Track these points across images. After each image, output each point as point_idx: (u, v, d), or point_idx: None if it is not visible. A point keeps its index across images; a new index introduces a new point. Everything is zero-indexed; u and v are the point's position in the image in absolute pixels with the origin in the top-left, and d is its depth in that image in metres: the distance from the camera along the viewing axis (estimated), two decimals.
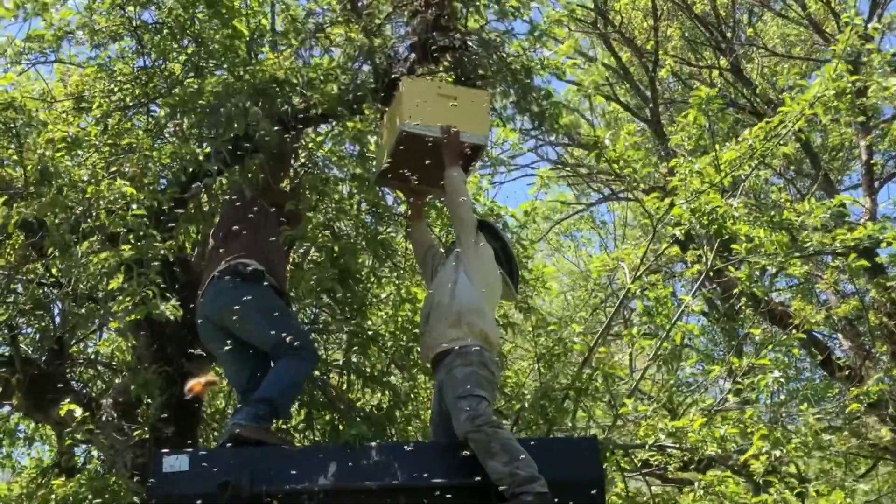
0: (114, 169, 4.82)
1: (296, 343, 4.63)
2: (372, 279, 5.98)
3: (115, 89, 5.09)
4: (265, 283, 4.80)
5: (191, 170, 4.90)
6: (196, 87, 4.98)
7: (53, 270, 5.17)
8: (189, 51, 5.07)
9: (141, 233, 4.53)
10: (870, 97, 6.35)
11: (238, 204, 5.06)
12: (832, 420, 8.00)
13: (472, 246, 4.92)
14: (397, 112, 5.00)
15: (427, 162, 5.02)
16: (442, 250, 5.37)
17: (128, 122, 5.08)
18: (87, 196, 4.56)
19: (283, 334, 4.62)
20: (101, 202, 4.56)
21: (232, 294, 4.67)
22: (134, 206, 4.58)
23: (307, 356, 4.72)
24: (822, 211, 6.19)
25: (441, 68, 5.31)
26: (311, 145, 5.63)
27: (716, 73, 13.90)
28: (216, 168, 4.82)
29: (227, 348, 4.74)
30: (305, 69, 5.21)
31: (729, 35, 13.50)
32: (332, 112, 5.10)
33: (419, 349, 5.49)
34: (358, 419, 5.36)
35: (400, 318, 6.05)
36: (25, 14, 4.91)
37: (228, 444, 4.42)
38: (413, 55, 5.22)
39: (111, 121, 5.00)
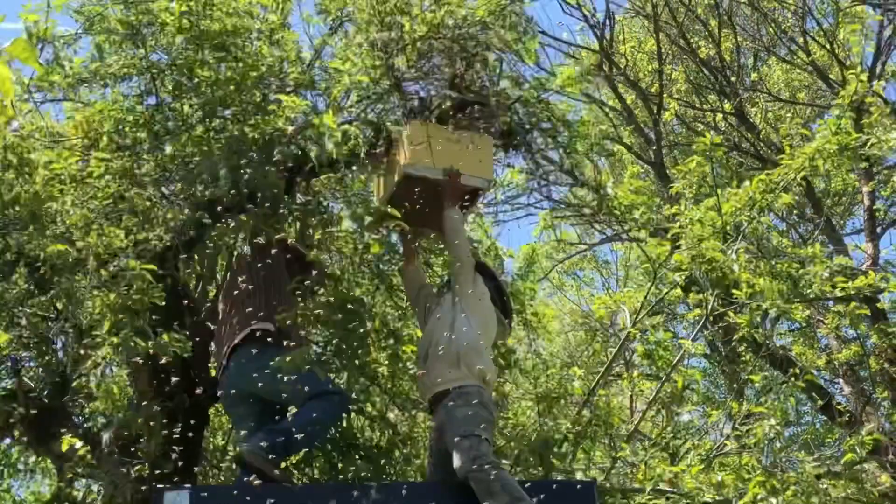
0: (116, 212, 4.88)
1: (328, 388, 4.73)
2: (373, 314, 5.99)
3: (126, 129, 5.14)
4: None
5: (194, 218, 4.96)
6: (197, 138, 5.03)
7: (57, 305, 5.21)
8: (200, 90, 5.12)
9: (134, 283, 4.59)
10: (871, 148, 6.41)
11: (247, 263, 5.12)
12: (832, 466, 7.99)
13: (470, 286, 4.98)
14: (400, 153, 5.08)
15: (426, 203, 5.08)
16: (434, 290, 5.44)
17: (134, 162, 5.12)
18: (87, 243, 4.62)
19: (315, 386, 4.69)
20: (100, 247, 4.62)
21: (258, 361, 4.74)
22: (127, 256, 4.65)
23: (338, 400, 4.80)
24: (823, 268, 6.23)
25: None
26: (316, 187, 5.68)
27: (720, 116, 13.98)
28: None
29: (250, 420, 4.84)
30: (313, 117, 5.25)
31: (733, 79, 13.60)
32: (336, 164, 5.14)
33: (417, 388, 5.52)
34: (357, 458, 5.37)
35: (402, 358, 6.07)
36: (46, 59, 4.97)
37: (235, 466, 4.49)
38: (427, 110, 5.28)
39: (118, 163, 5.04)
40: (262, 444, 4.50)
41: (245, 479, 4.51)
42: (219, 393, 5.03)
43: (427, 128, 5.11)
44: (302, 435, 4.64)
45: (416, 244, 5.55)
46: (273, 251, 5.09)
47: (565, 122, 5.40)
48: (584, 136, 5.47)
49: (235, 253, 5.57)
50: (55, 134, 5.17)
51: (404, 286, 5.53)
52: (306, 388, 4.68)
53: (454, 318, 4.88)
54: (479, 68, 5.18)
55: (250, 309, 4.92)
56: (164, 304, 4.77)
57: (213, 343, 5.21)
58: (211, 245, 5.21)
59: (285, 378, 4.61)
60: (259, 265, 5.06)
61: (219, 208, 4.98)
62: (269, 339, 4.83)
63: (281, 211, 4.99)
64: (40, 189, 4.81)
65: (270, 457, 4.47)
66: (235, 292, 5.07)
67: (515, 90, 5.25)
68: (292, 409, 4.97)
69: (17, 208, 4.80)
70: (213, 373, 5.45)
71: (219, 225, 5.01)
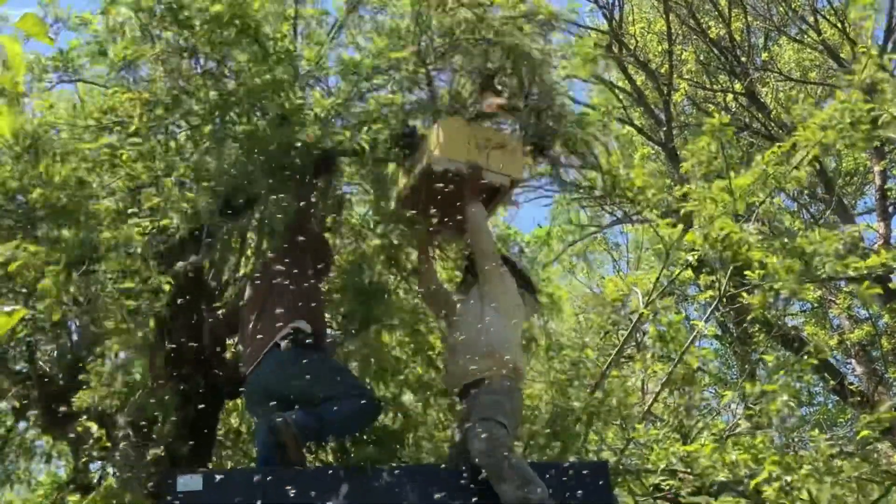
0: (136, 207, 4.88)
1: (364, 391, 4.81)
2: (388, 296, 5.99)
3: (139, 110, 5.12)
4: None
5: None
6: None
7: (72, 289, 5.22)
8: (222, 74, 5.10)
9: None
10: (883, 127, 6.38)
11: (275, 264, 5.13)
12: (844, 446, 7.99)
13: (497, 278, 5.00)
14: (425, 146, 5.08)
15: (447, 200, 5.08)
16: (454, 286, 5.46)
17: (153, 143, 5.11)
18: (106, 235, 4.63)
19: (352, 388, 4.77)
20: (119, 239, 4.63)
21: (295, 364, 4.75)
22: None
23: (374, 402, 4.84)
24: (837, 241, 6.20)
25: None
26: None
27: (730, 97, 13.94)
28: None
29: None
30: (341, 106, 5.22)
31: (744, 59, 13.54)
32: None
33: (441, 376, 5.53)
34: (368, 442, 5.39)
35: (416, 341, 6.08)
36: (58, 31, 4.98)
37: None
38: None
39: (147, 144, 5.03)
40: (297, 421, 4.53)
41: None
42: (244, 390, 5.03)
43: (455, 122, 5.10)
44: (335, 425, 4.68)
45: (434, 244, 5.57)
46: (295, 247, 5.09)
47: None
48: (592, 120, 5.44)
49: (254, 245, 5.59)
50: (81, 113, 5.16)
51: (419, 286, 5.54)
52: (344, 388, 4.73)
53: (482, 312, 4.92)
54: (512, 71, 5.16)
55: (280, 310, 4.91)
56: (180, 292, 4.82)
57: (238, 339, 5.18)
58: (227, 235, 5.23)
59: (322, 382, 4.70)
60: (282, 263, 5.06)
61: (241, 200, 4.99)
62: (304, 341, 4.85)
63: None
64: (69, 174, 4.81)
65: (299, 437, 4.52)
66: (266, 293, 5.08)
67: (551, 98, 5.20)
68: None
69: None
70: (228, 356, 5.47)
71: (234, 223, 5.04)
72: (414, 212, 5.24)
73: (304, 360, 4.74)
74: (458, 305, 5.14)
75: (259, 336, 4.91)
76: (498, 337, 4.83)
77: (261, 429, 4.87)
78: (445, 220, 5.33)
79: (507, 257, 5.40)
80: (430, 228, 5.38)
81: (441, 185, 5.04)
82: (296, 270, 5.01)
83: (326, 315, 5.86)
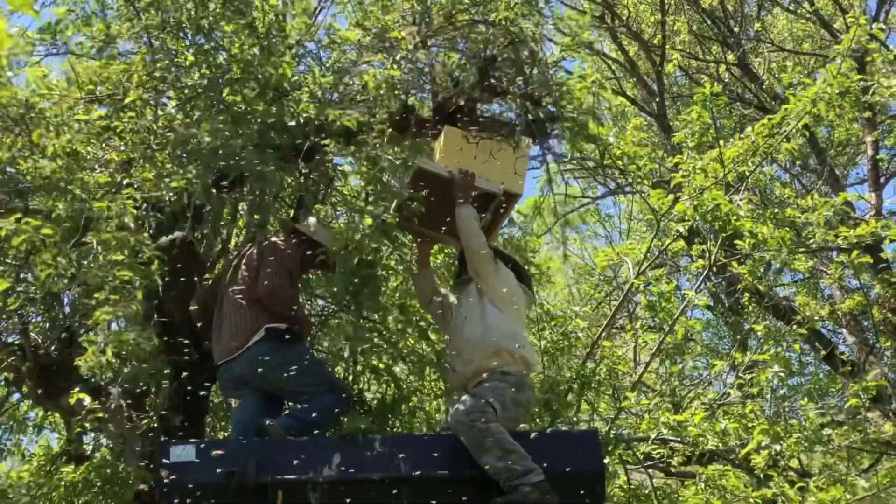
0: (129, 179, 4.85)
1: (338, 384, 4.93)
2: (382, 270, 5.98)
3: (126, 79, 5.08)
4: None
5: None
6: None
7: (63, 261, 5.20)
8: (204, 48, 5.07)
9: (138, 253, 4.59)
10: (874, 95, 6.37)
11: (256, 252, 5.14)
12: (835, 415, 8.04)
13: (493, 275, 5.00)
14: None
15: (443, 208, 5.09)
16: (449, 288, 5.48)
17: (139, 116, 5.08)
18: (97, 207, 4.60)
19: (328, 382, 4.90)
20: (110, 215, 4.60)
21: (273, 357, 4.86)
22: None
23: (346, 396, 4.94)
24: (827, 209, 6.22)
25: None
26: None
27: (723, 67, 13.90)
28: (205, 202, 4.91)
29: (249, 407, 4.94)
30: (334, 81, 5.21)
31: (736, 30, 13.50)
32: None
33: (448, 378, 5.47)
34: (361, 412, 5.41)
35: (407, 314, 6.08)
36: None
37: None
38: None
39: (146, 118, 5.00)
40: (285, 426, 4.63)
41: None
42: (220, 377, 5.09)
43: (457, 132, 5.12)
44: (311, 424, 4.72)
45: (430, 250, 5.60)
46: (282, 237, 5.12)
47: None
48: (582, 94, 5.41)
49: (242, 227, 5.60)
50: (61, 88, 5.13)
51: (416, 291, 5.56)
52: (319, 383, 4.85)
53: (483, 310, 4.93)
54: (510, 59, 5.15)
55: (262, 303, 4.96)
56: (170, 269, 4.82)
57: (214, 329, 5.20)
58: (218, 210, 5.22)
59: (297, 376, 4.80)
60: (269, 254, 5.07)
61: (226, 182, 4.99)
62: (283, 339, 4.91)
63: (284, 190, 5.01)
64: (61, 145, 4.78)
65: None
66: (246, 283, 5.08)
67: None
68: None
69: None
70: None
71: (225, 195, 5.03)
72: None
73: (280, 357, 4.85)
74: (456, 306, 5.12)
75: (235, 331, 4.97)
76: (502, 333, 4.83)
77: (237, 409, 4.96)
78: (442, 229, 5.34)
79: (499, 250, 5.40)
80: (427, 237, 5.41)
81: (436, 193, 5.04)
82: (284, 262, 5.05)
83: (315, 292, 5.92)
